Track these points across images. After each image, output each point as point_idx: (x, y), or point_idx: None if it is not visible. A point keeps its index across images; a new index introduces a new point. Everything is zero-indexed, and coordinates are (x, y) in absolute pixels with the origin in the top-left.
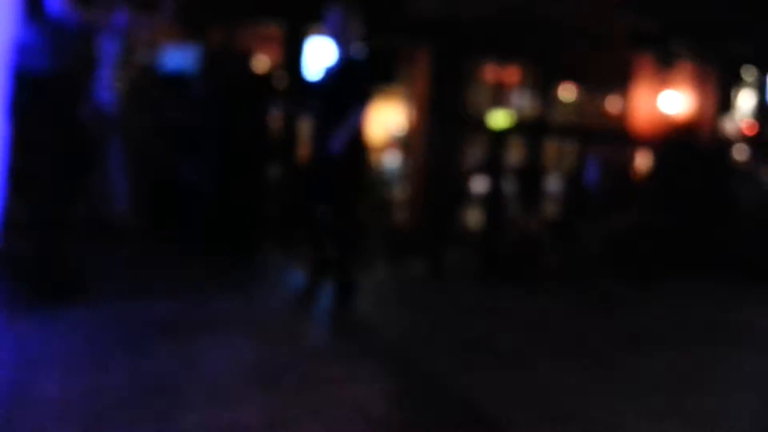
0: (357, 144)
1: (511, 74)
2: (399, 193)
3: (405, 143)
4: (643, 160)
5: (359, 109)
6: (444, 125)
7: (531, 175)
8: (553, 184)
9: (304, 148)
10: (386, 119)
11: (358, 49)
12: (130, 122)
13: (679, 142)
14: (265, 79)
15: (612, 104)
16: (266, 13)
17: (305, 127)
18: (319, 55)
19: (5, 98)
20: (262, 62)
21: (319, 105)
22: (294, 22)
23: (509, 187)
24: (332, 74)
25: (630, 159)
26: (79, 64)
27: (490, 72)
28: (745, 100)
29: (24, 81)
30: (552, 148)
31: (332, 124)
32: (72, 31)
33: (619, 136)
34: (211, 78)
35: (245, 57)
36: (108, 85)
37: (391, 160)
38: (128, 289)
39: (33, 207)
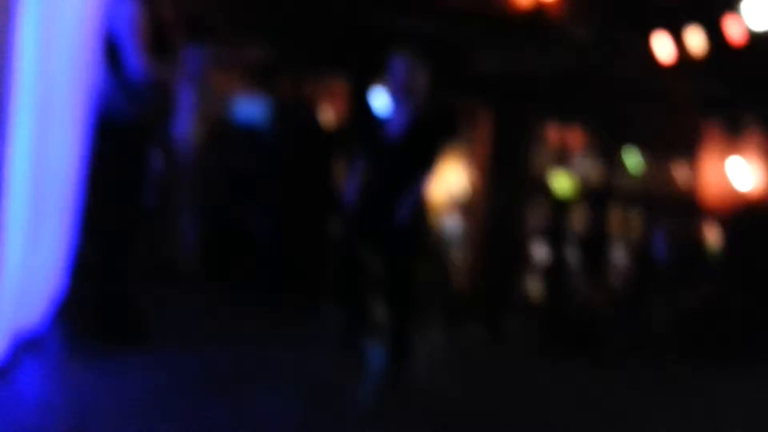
0: (419, 204)
1: (575, 137)
2: (459, 255)
3: (465, 205)
4: (713, 233)
5: (427, 172)
6: (506, 187)
7: (595, 243)
8: (618, 253)
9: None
10: (446, 179)
11: (426, 104)
12: (200, 169)
13: (750, 215)
14: (332, 132)
15: (680, 171)
16: (335, 66)
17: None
18: (385, 109)
19: (84, 145)
20: (329, 114)
21: (382, 160)
22: (362, 75)
23: (573, 254)
24: (398, 130)
25: (699, 231)
26: (155, 112)
27: (553, 134)
28: None
29: (100, 128)
30: (618, 214)
31: (396, 184)
32: (149, 82)
33: (688, 207)
34: (280, 130)
35: (313, 109)
36: (182, 133)
37: (451, 222)
38: (188, 335)
39: (101, 250)
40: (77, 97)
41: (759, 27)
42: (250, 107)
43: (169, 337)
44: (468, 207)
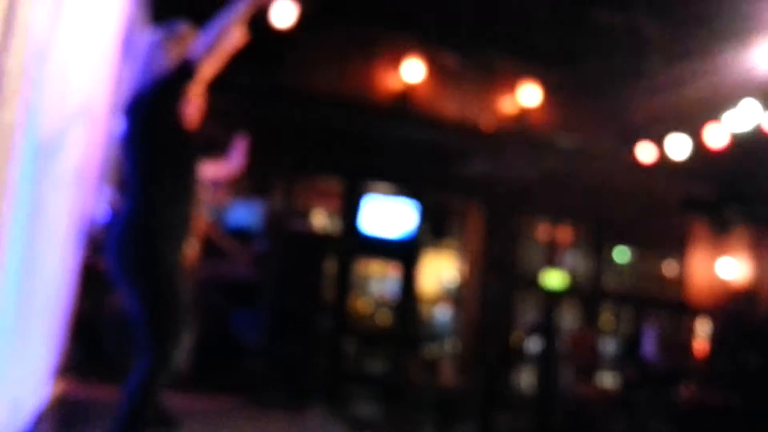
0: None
1: (564, 233)
2: (449, 348)
3: (457, 297)
4: (701, 330)
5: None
6: (496, 281)
7: (585, 338)
8: (608, 349)
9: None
10: (439, 272)
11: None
12: (192, 274)
13: (738, 313)
14: (323, 237)
15: (668, 268)
16: (327, 169)
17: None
18: (375, 211)
19: (74, 256)
20: (320, 217)
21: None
22: (353, 177)
23: (563, 349)
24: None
25: (688, 328)
26: None
27: (542, 230)
28: None
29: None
30: (608, 310)
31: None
32: None
33: (677, 304)
34: (272, 235)
35: (304, 214)
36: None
37: (442, 314)
38: None
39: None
40: (69, 210)
41: (739, 129)
42: (243, 212)
43: None
44: (459, 299)
